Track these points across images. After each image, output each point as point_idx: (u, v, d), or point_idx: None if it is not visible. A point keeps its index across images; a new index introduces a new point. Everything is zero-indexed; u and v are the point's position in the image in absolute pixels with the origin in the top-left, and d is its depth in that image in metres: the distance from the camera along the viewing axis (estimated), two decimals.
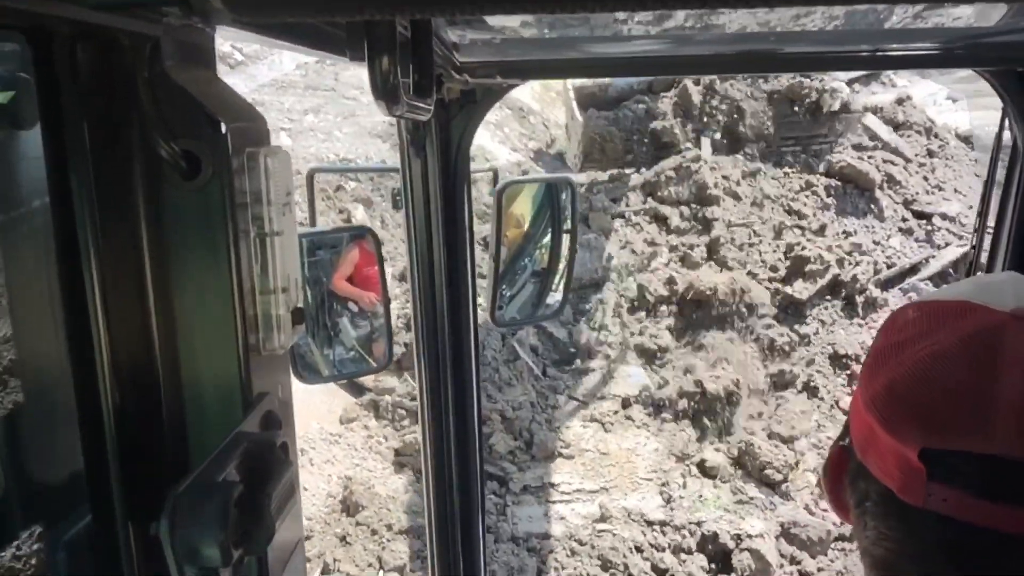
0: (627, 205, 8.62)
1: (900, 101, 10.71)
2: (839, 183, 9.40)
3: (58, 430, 0.96)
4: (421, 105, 1.11)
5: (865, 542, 0.87)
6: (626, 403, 7.30)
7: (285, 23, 0.94)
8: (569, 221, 2.50)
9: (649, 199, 8.58)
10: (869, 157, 9.72)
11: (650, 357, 7.67)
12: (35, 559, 0.98)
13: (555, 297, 2.57)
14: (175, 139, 0.76)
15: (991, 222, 2.08)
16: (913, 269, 9.11)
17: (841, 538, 6.56)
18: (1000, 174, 2.06)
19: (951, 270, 9.17)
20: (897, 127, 10.44)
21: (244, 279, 0.80)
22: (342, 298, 3.08)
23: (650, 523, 6.29)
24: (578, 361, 7.58)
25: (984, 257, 2.09)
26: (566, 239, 2.53)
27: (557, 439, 6.83)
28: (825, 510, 6.84)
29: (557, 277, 2.57)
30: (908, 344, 0.83)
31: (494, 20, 1.41)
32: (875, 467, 0.83)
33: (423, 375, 2.04)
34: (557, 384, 7.41)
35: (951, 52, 1.90)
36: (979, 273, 2.10)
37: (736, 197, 8.76)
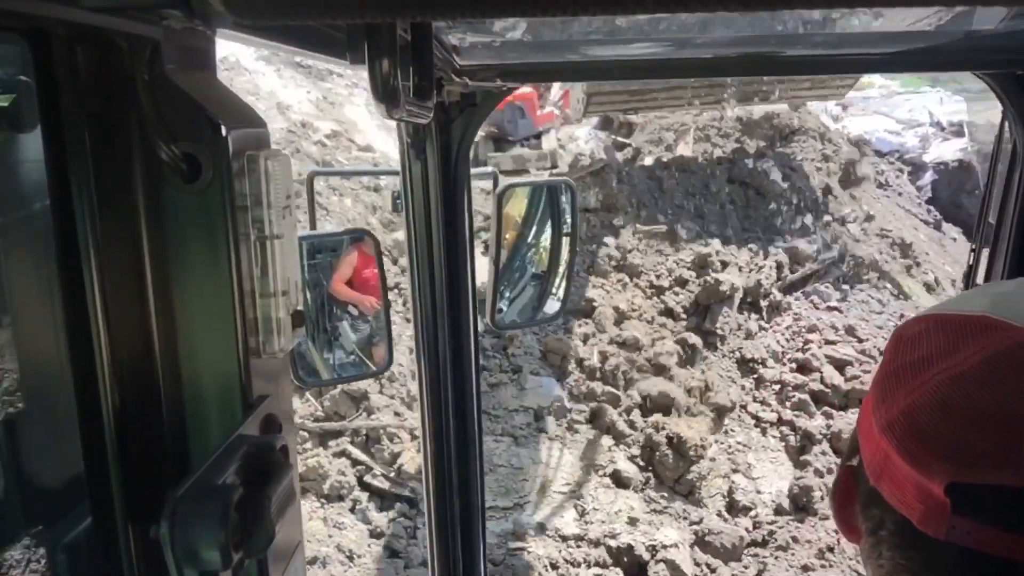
0: None
1: (795, 107, 10.96)
2: (742, 189, 9.53)
3: (59, 433, 0.96)
4: (421, 108, 1.11)
5: (880, 572, 0.83)
6: (538, 415, 7.23)
7: (286, 26, 0.94)
8: (569, 224, 2.50)
9: None
10: (768, 162, 9.91)
11: (563, 372, 7.60)
12: (36, 561, 0.98)
13: (555, 300, 2.57)
14: (175, 142, 0.76)
15: (992, 223, 2.08)
16: (815, 274, 9.20)
17: (753, 543, 6.57)
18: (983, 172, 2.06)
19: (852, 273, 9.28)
20: (794, 132, 10.63)
21: (244, 282, 0.80)
22: (341, 301, 3.08)
23: (565, 538, 6.22)
24: (486, 373, 7.45)
25: (984, 258, 2.09)
26: (566, 242, 2.53)
27: None
28: (737, 516, 6.84)
29: (557, 280, 2.57)
30: (925, 365, 0.79)
31: (494, 23, 1.41)
32: (891, 495, 0.79)
33: (423, 375, 2.04)
34: None
35: (951, 55, 1.90)
36: (980, 280, 2.10)
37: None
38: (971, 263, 2.14)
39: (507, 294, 2.65)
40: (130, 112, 0.76)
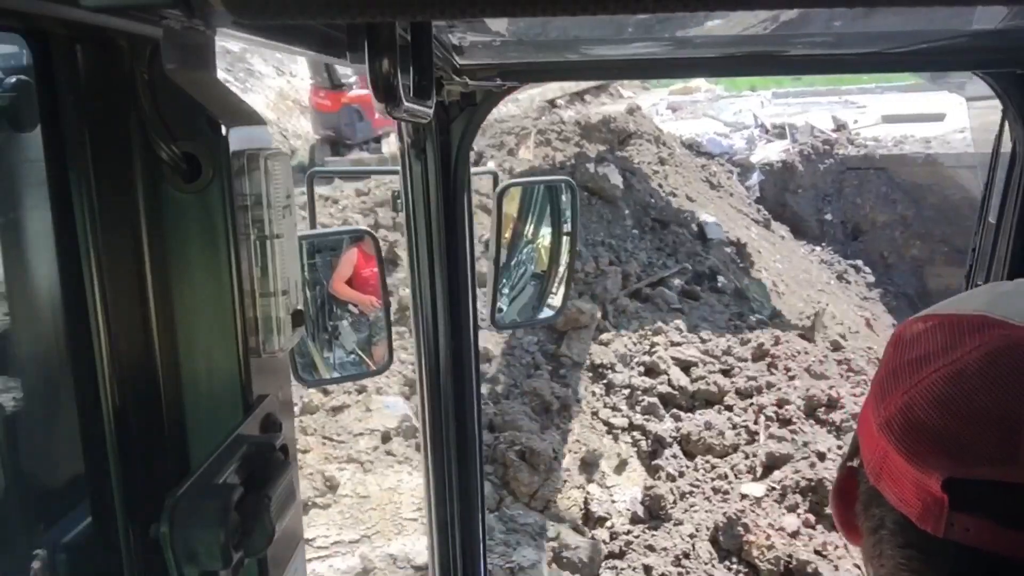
0: None
1: (631, 111, 11.08)
2: (585, 194, 9.60)
3: (59, 432, 0.96)
4: (421, 108, 1.11)
5: (881, 572, 0.83)
6: (386, 437, 7.01)
7: (285, 25, 0.94)
8: (569, 223, 2.50)
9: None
10: (609, 166, 10.04)
11: (412, 390, 7.43)
12: (36, 561, 0.98)
13: (555, 299, 2.57)
14: (175, 141, 0.76)
15: (991, 223, 2.08)
16: (662, 280, 9.28)
17: (611, 555, 6.50)
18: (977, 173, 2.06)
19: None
20: (630, 136, 10.79)
21: (244, 282, 0.80)
22: (342, 300, 3.08)
23: (418, 568, 5.96)
24: (328, 396, 7.24)
25: (984, 258, 2.09)
26: (566, 241, 2.53)
27: (310, 487, 6.48)
28: (595, 528, 6.73)
29: (557, 279, 2.57)
30: (924, 362, 0.79)
31: (494, 23, 1.41)
32: (891, 493, 0.79)
33: (423, 375, 2.04)
34: (304, 424, 7.06)
35: (950, 54, 1.90)
36: (980, 280, 2.10)
37: (486, 210, 9.16)
38: (971, 262, 2.14)
39: (507, 293, 2.65)
40: (130, 111, 0.76)
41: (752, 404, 7.88)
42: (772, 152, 14.03)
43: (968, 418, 0.74)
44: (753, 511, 6.87)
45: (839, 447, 7.40)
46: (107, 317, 0.78)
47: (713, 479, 7.31)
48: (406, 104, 1.00)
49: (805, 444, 7.36)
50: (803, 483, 7.01)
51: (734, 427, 7.69)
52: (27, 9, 0.68)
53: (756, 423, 7.70)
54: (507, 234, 2.53)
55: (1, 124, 0.85)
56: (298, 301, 0.88)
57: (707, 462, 7.46)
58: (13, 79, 0.80)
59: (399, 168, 1.93)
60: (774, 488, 7.07)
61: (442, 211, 1.92)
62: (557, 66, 2.02)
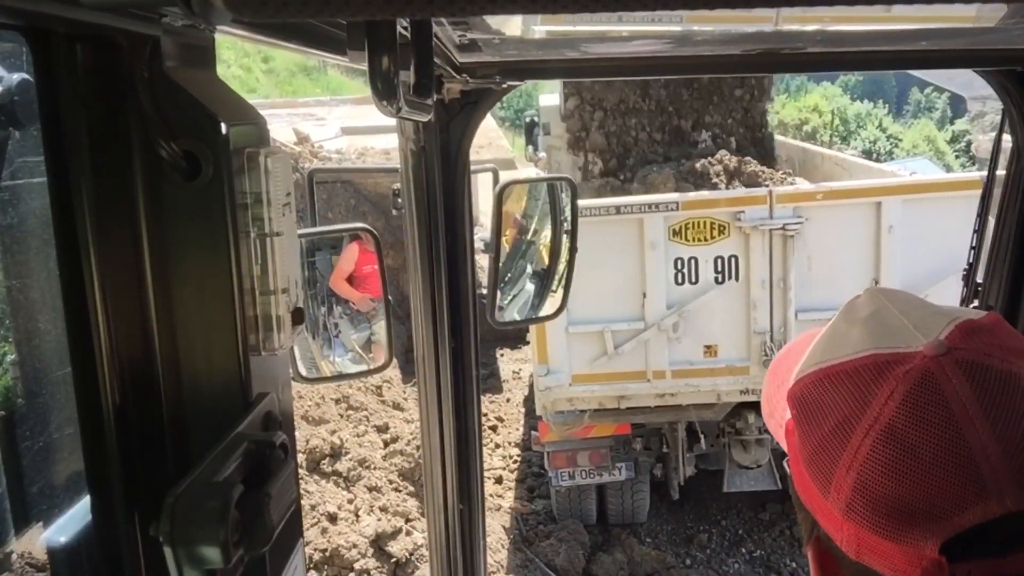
0: None
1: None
2: None
3: (58, 430, 0.96)
4: (421, 105, 1.11)
5: None
6: None
7: (285, 23, 0.94)
8: (569, 221, 2.50)
9: None
10: None
11: None
12: (36, 560, 0.98)
13: (555, 297, 2.57)
14: (175, 139, 0.76)
15: (991, 222, 2.08)
16: None
17: None
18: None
19: None
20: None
21: (244, 279, 0.80)
22: (342, 298, 3.08)
23: None
24: None
25: (984, 258, 2.09)
26: (566, 239, 2.53)
27: None
28: None
29: (557, 277, 2.57)
30: (846, 429, 0.76)
31: (494, 20, 1.41)
32: (880, 565, 0.76)
33: (423, 375, 2.04)
34: None
35: (951, 52, 1.90)
36: (980, 279, 2.09)
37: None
38: (971, 261, 2.14)
39: (507, 291, 2.65)
40: (130, 110, 0.76)
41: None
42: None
43: (927, 477, 0.72)
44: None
45: (351, 501, 6.58)
46: (107, 315, 0.78)
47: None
48: (406, 102, 1.00)
49: (313, 507, 6.40)
50: (316, 556, 6.03)
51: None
52: (27, 7, 0.68)
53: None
54: (507, 232, 2.54)
55: (1, 121, 0.85)
56: (298, 299, 0.88)
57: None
58: (13, 77, 0.80)
59: (399, 166, 1.93)
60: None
61: (442, 209, 1.92)
62: (557, 64, 2.02)
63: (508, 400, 11.35)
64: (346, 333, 2.88)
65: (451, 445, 2.08)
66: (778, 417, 0.91)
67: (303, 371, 2.14)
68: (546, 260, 2.63)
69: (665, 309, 6.72)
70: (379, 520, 6.60)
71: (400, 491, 7.35)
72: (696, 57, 1.99)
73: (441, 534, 2.14)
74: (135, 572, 0.82)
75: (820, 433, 0.79)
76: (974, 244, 2.14)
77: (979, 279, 2.10)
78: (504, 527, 8.41)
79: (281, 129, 14.96)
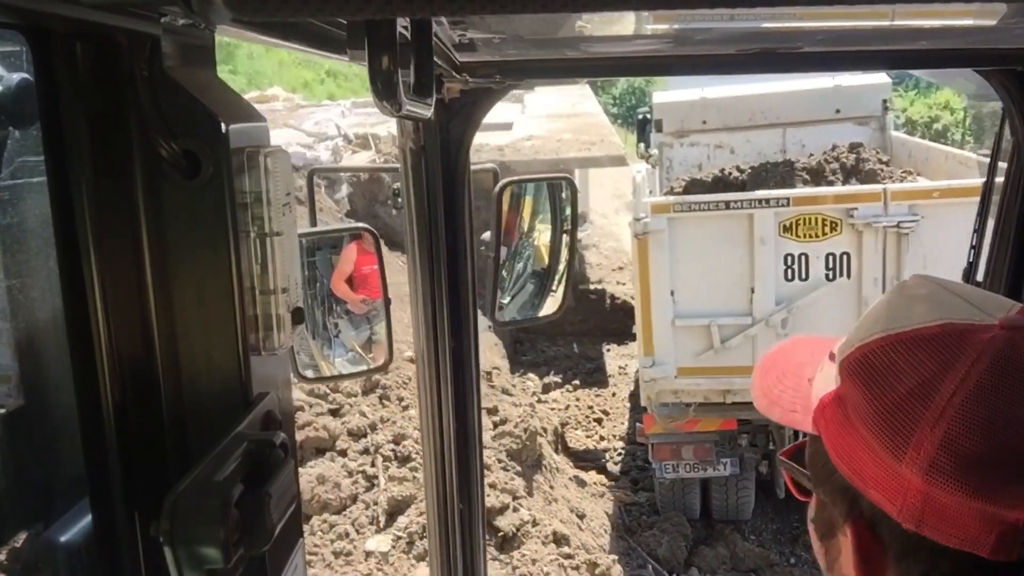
0: None
1: None
2: None
3: (58, 430, 0.96)
4: (421, 105, 1.11)
5: None
6: None
7: (285, 22, 0.94)
8: (569, 220, 2.50)
9: None
10: None
11: None
12: (36, 560, 0.98)
13: (555, 297, 2.57)
14: (175, 139, 0.76)
15: (991, 222, 2.08)
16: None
17: None
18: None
19: None
20: None
21: (244, 279, 0.80)
22: (341, 298, 3.08)
23: None
24: None
25: (984, 257, 2.09)
26: (565, 239, 2.53)
27: None
28: None
29: (557, 277, 2.57)
30: (929, 390, 0.75)
31: (494, 20, 1.40)
32: (944, 533, 0.74)
33: (423, 375, 2.04)
34: None
35: (951, 52, 1.90)
36: (980, 278, 2.09)
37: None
38: (971, 260, 2.14)
39: (507, 290, 2.65)
40: (130, 109, 0.76)
41: (368, 445, 7.18)
42: (359, 163, 13.73)
43: (1018, 435, 0.72)
44: (380, 570, 6.22)
45: None
46: (107, 314, 0.78)
47: (333, 540, 6.54)
48: (406, 102, 1.00)
49: None
50: None
51: (350, 474, 6.96)
52: (27, 6, 0.68)
53: (374, 466, 7.04)
54: (507, 231, 2.53)
55: (1, 120, 0.85)
56: (298, 298, 0.88)
57: (324, 522, 6.65)
58: (13, 77, 0.80)
59: (399, 166, 1.93)
60: (400, 537, 6.46)
61: (442, 209, 1.92)
62: (558, 64, 2.02)
63: (614, 395, 11.38)
64: (346, 333, 2.88)
65: (451, 445, 2.08)
66: (786, 404, 0.91)
67: (303, 371, 2.14)
68: (546, 259, 2.62)
69: (774, 305, 6.65)
70: (488, 496, 6.76)
71: (508, 470, 7.44)
72: (696, 56, 1.99)
73: (441, 534, 2.14)
74: (135, 572, 0.82)
75: (895, 395, 0.77)
76: (974, 244, 2.13)
77: (979, 279, 2.10)
78: (607, 513, 8.50)
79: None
